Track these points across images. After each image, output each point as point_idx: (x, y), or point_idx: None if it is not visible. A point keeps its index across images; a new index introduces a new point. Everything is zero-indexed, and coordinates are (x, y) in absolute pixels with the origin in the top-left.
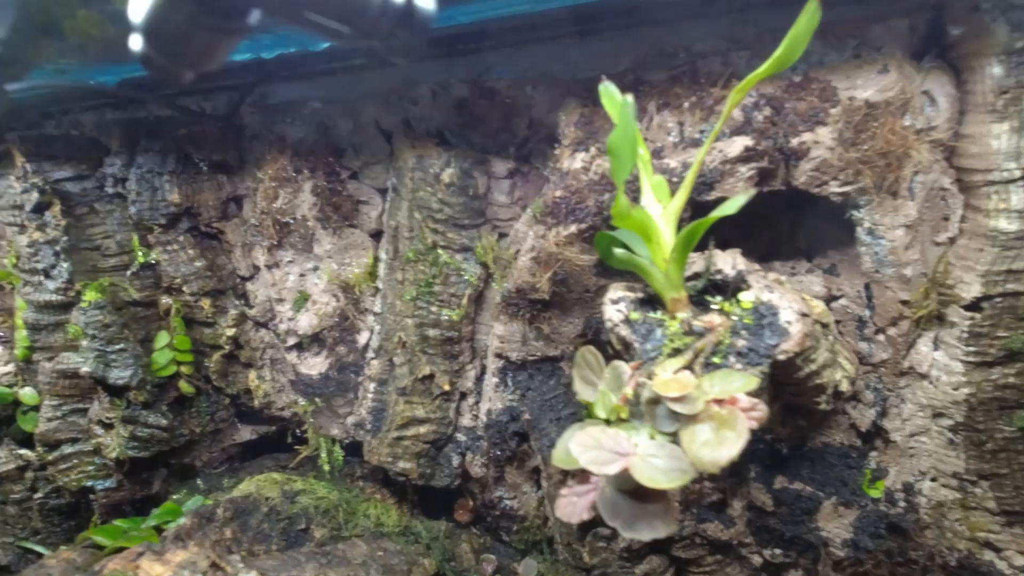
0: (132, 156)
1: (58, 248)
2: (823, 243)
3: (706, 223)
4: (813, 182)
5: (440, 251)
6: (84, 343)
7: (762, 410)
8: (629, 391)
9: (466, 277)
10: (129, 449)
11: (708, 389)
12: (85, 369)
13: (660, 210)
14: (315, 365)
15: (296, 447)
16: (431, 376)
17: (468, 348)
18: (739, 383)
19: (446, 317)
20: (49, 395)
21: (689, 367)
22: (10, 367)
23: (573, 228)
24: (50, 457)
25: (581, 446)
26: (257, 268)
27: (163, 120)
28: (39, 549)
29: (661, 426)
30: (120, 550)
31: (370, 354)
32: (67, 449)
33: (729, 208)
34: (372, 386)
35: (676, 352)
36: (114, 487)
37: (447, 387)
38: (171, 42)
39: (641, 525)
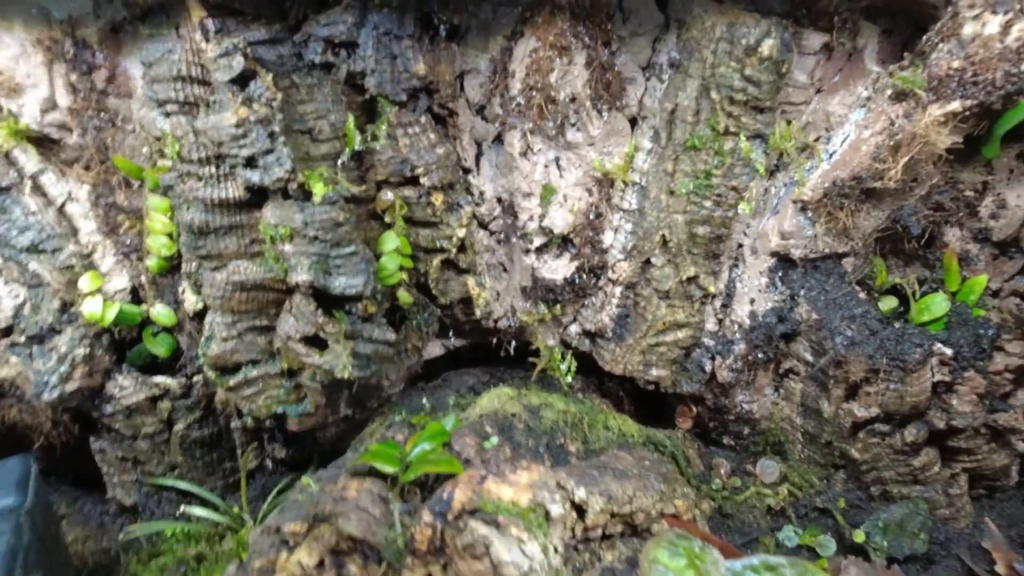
0: (363, 14)
1: (274, 128)
2: None
3: None
4: None
5: (729, 138)
6: (291, 247)
7: None
8: None
9: (755, 167)
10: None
11: None
12: (302, 277)
13: None
14: (558, 268)
15: (498, 359)
16: (695, 278)
17: (727, 247)
18: None
19: (720, 213)
20: (221, 311)
21: None
22: (123, 281)
23: (956, 105)
24: (231, 382)
25: None
26: (480, 156)
27: None
28: (182, 485)
29: None
30: (429, 478)
31: (617, 255)
32: (251, 372)
33: None
34: (618, 291)
35: None
36: (309, 412)
37: (712, 289)
38: None
39: None
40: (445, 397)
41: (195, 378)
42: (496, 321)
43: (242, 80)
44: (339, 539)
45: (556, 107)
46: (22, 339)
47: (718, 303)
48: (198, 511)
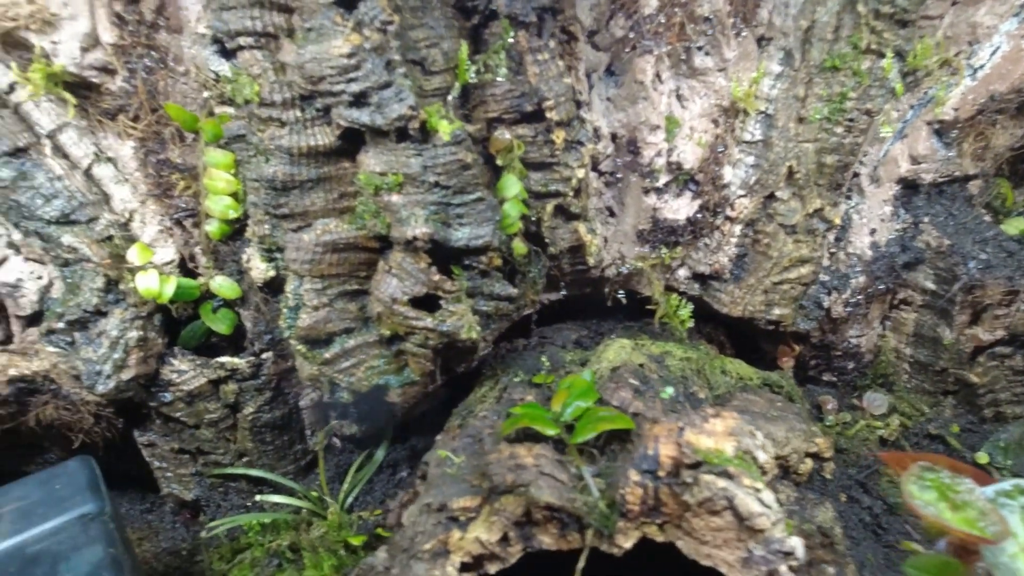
0: None
1: (392, 57)
2: None
3: None
4: None
5: (867, 56)
6: (400, 197)
7: None
8: None
9: (892, 87)
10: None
11: None
12: (420, 230)
13: None
14: (680, 208)
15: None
16: (820, 210)
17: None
18: None
19: (850, 140)
20: (310, 277)
21: None
22: (170, 251)
23: None
24: (327, 355)
25: None
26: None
27: None
28: (254, 473)
29: None
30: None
31: (738, 191)
32: (348, 342)
33: None
34: (737, 229)
35: None
36: (414, 381)
37: (837, 221)
38: None
39: None
40: (556, 354)
41: (264, 355)
42: (604, 269)
43: (350, 1)
44: (529, 509)
45: (696, 27)
46: (60, 325)
47: (831, 236)
48: (276, 499)
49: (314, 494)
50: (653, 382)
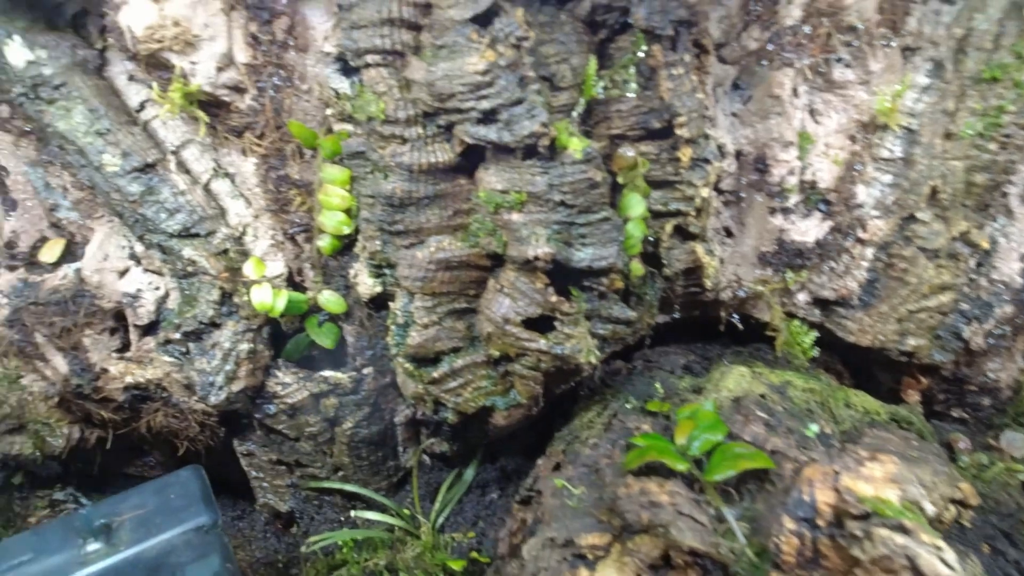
0: None
1: (526, 73)
2: None
3: None
4: None
5: None
6: (520, 216)
7: None
8: None
9: None
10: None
11: None
12: (541, 250)
13: None
14: (809, 229)
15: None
16: (966, 233)
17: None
18: None
19: (1004, 157)
20: (421, 294)
21: None
22: (279, 266)
23: None
24: (435, 374)
25: None
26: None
27: None
28: (349, 488)
29: None
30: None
31: (872, 212)
32: (456, 362)
33: None
34: (869, 252)
35: None
36: (520, 403)
37: (985, 244)
38: None
39: None
40: (666, 379)
41: (364, 371)
42: (719, 292)
43: (485, 18)
44: (667, 552)
45: (843, 37)
46: (176, 336)
47: (973, 261)
48: (369, 515)
49: (406, 512)
50: (780, 415)
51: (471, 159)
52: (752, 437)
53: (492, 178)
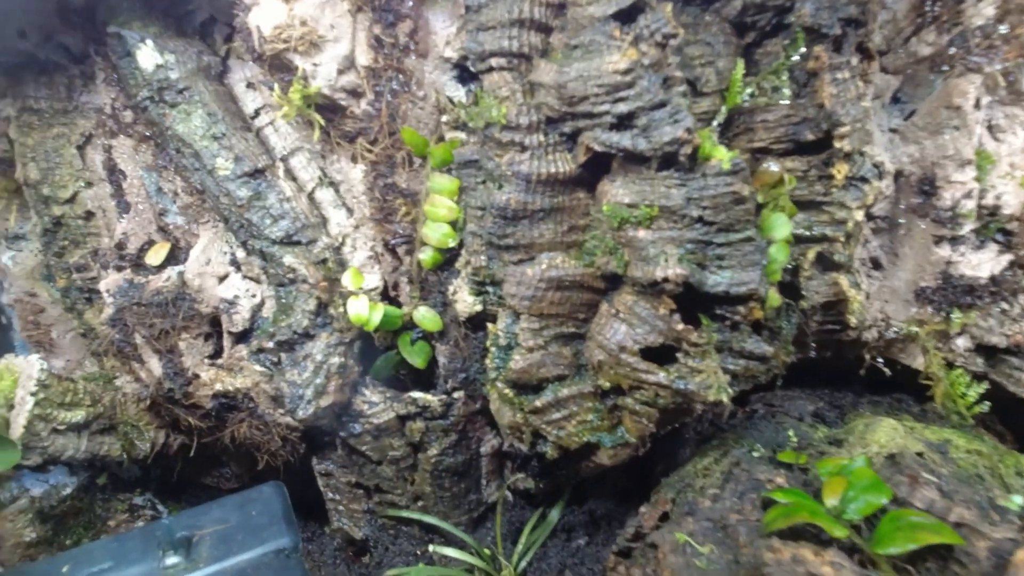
0: None
1: (671, 74)
2: None
3: None
4: None
5: None
6: (648, 233)
7: None
8: None
9: None
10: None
11: None
12: (673, 271)
13: None
14: (982, 263)
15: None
16: None
17: None
18: None
19: None
20: (528, 315)
21: None
22: (375, 278)
23: None
24: (537, 403)
25: None
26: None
27: None
28: (428, 519)
29: None
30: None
31: None
32: (562, 391)
33: None
34: None
35: None
36: (627, 442)
37: None
38: None
39: None
40: (796, 427)
41: (455, 394)
42: (861, 332)
43: (628, 14)
44: None
45: None
46: (270, 344)
47: None
48: (449, 551)
49: (486, 552)
50: (947, 478)
51: (592, 171)
52: (926, 504)
53: (619, 190)
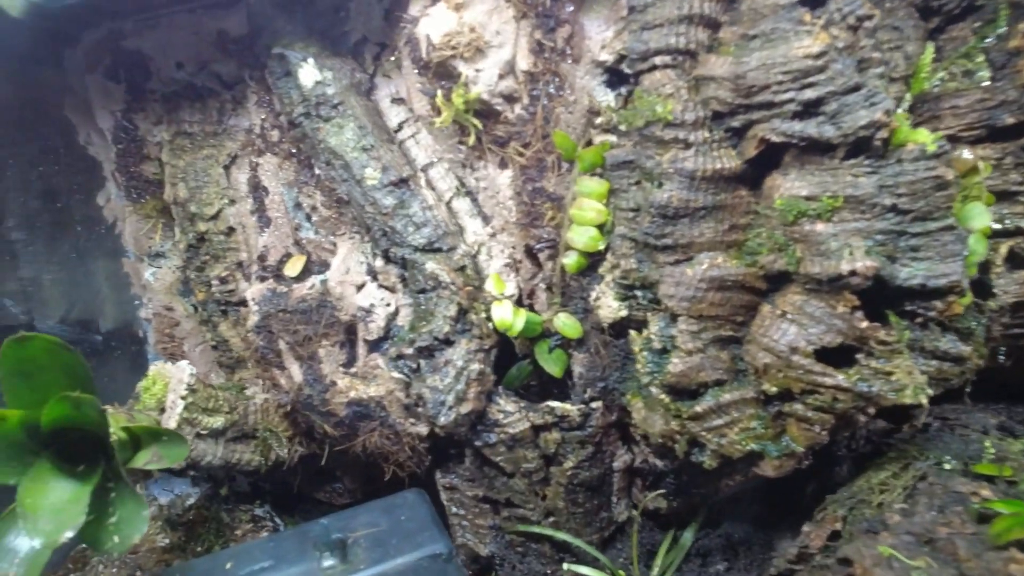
0: None
1: (868, 55)
2: None
3: None
4: None
5: None
6: (828, 226)
7: None
8: None
9: None
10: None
11: None
12: (861, 264)
13: None
14: None
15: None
16: None
17: None
18: None
19: None
20: (686, 316)
21: None
22: (511, 285)
23: None
24: (697, 408)
25: None
26: None
27: None
28: (561, 536)
29: None
30: None
31: None
32: (723, 396)
33: None
34: None
35: None
36: (794, 452)
37: None
38: None
39: None
40: (983, 440)
41: (593, 404)
42: None
43: (815, 0)
44: None
45: None
46: (409, 351)
47: None
48: (585, 571)
49: (621, 573)
50: None
51: (758, 166)
52: None
53: (794, 183)
